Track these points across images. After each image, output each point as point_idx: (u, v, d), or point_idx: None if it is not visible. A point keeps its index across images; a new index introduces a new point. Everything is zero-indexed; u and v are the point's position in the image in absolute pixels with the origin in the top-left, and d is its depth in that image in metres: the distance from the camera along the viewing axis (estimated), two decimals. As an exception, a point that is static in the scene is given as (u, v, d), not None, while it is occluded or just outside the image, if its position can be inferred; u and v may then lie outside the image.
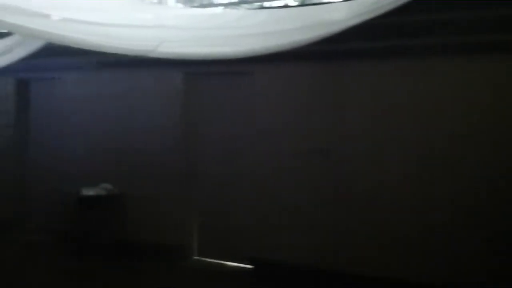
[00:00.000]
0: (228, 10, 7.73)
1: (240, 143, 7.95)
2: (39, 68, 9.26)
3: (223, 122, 8.16)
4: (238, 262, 7.97)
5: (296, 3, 7.66)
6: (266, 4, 7.77)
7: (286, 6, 7.29)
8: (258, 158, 7.66)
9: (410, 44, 6.57)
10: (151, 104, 8.49)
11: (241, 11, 7.27)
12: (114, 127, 8.80)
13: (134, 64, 7.69)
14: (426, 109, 6.60)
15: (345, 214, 7.03)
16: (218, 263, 8.12)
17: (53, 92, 9.57)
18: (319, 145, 7.16)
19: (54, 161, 9.37)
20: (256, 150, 7.68)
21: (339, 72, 7.04)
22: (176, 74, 8.22)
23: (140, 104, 8.57)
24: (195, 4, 8.21)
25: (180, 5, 8.49)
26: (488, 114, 6.28)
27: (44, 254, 8.74)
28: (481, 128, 6.30)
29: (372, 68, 6.88)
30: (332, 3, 7.09)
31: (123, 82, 8.77)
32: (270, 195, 7.56)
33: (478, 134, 6.30)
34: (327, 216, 7.15)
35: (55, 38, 5.28)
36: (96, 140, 8.97)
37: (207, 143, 8.31)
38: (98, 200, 8.47)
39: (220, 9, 7.93)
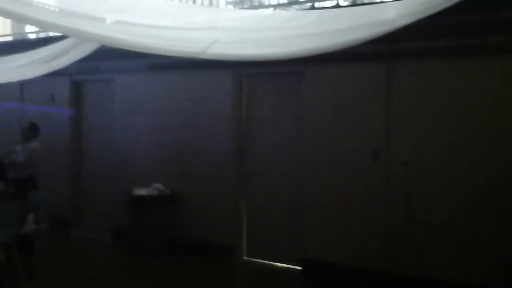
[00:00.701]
0: (278, 11, 7.74)
1: (291, 144, 7.94)
2: (93, 70, 9.49)
3: (275, 122, 8.17)
4: (287, 263, 7.96)
5: (347, 3, 7.61)
6: (317, 4, 7.74)
7: (337, 6, 7.23)
8: (309, 159, 7.65)
9: (461, 44, 6.44)
10: (203, 105, 8.57)
11: (292, 12, 7.27)
12: (166, 128, 8.92)
13: (187, 65, 7.78)
14: (478, 108, 6.46)
15: (395, 215, 6.94)
16: (267, 263, 8.13)
17: (107, 93, 9.78)
18: (370, 146, 7.09)
19: (108, 161, 9.58)
20: (307, 151, 7.66)
21: (390, 72, 6.96)
22: (228, 76, 8.28)
23: (192, 105, 8.66)
24: (246, 6, 8.26)
25: (230, 7, 8.55)
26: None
27: (100, 252, 8.96)
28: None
29: (423, 68, 6.78)
30: (384, 3, 7.02)
31: (176, 83, 8.89)
32: (320, 196, 7.53)
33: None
34: (377, 217, 7.08)
35: (109, 41, 5.39)
36: (149, 141, 9.11)
37: (258, 143, 8.34)
38: (150, 200, 8.61)
39: (270, 10, 7.95)
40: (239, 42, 5.46)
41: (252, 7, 8.08)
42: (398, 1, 5.30)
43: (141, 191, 8.67)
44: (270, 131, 8.20)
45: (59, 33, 6.69)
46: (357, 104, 7.25)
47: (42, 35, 10.46)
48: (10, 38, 11.34)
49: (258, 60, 5.95)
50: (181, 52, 5.51)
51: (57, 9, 5.02)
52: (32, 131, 8.70)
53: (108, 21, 5.14)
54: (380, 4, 6.92)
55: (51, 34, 9.50)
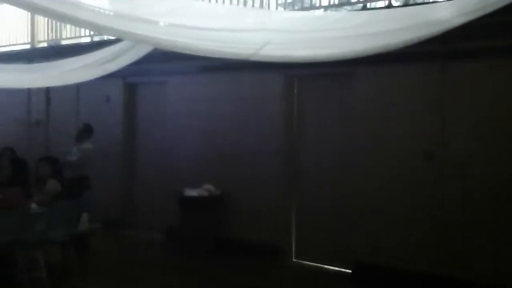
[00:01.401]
0: (329, 12, 7.71)
1: (343, 145, 7.88)
2: (147, 73, 9.64)
3: (325, 124, 8.13)
4: (336, 266, 7.91)
5: (399, 3, 7.52)
6: (368, 5, 7.68)
7: (389, 7, 7.16)
8: (359, 160, 7.58)
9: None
10: (254, 106, 8.61)
11: (343, 13, 7.24)
12: (217, 130, 9.00)
13: (238, 67, 7.82)
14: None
15: (448, 218, 6.82)
16: (316, 266, 8.10)
17: (160, 95, 9.93)
18: (424, 148, 6.97)
19: (161, 162, 9.71)
20: (358, 153, 7.60)
21: (442, 73, 6.84)
22: (279, 77, 8.29)
23: (243, 106, 8.71)
24: (296, 7, 8.26)
25: (281, 8, 8.56)
26: None
27: (153, 251, 9.10)
28: None
29: (478, 68, 6.64)
30: (437, 2, 6.91)
31: (227, 85, 8.95)
32: (370, 198, 7.46)
33: None
34: (429, 219, 6.97)
35: (162, 44, 5.48)
36: (200, 142, 9.20)
37: (308, 145, 8.32)
38: (200, 201, 8.69)
39: (321, 12, 7.92)
40: (290, 43, 5.47)
41: (303, 9, 8.08)
42: (451, 1, 5.22)
43: (192, 192, 8.76)
44: (321, 132, 8.17)
45: (114, 36, 6.84)
46: (409, 105, 7.15)
47: (96, 38, 10.69)
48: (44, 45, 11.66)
49: (309, 62, 5.94)
50: (233, 54, 5.55)
51: (111, 13, 5.15)
52: (86, 132, 8.92)
53: (161, 24, 5.24)
54: (433, 4, 6.82)
55: (105, 37, 9.71)
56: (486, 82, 6.62)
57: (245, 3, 8.59)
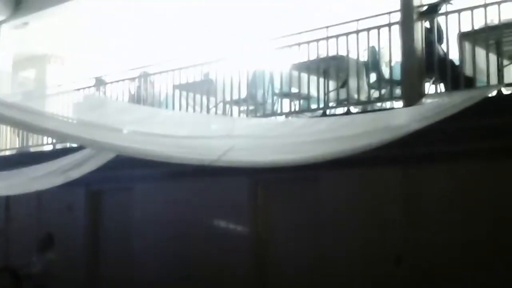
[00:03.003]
0: (291, 118, 7.91)
1: (311, 250, 7.78)
2: (112, 180, 9.57)
3: (292, 229, 8.05)
4: None
5: (357, 110, 7.77)
6: (328, 111, 7.91)
7: (348, 113, 7.40)
8: (330, 266, 7.46)
9: (473, 148, 6.47)
10: (219, 212, 8.55)
11: (305, 119, 7.43)
12: (183, 236, 8.84)
13: (204, 172, 7.82)
14: (497, 211, 6.38)
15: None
16: None
17: (125, 202, 9.82)
18: (391, 251, 6.94)
19: (125, 270, 9.43)
20: (326, 257, 7.51)
21: (405, 177, 6.95)
22: (244, 182, 8.30)
23: (208, 212, 8.63)
24: (259, 114, 8.45)
25: (244, 115, 8.75)
26: None
27: None
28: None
29: (440, 172, 6.76)
30: (395, 109, 7.18)
31: (194, 191, 8.90)
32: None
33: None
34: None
35: (126, 151, 5.51)
36: (166, 250, 9.00)
37: (276, 252, 8.18)
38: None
39: (283, 118, 8.12)
40: (253, 149, 5.58)
41: (265, 115, 8.26)
42: (408, 107, 5.45)
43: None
44: (288, 238, 8.09)
45: (77, 144, 6.87)
46: (374, 209, 7.17)
47: (59, 146, 10.69)
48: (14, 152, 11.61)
49: (272, 167, 6.02)
50: (197, 160, 5.62)
51: (75, 121, 5.21)
52: (48, 241, 8.69)
53: (125, 131, 5.31)
54: (391, 110, 7.09)
55: (68, 145, 9.71)
56: (447, 185, 6.72)
57: (208, 110, 8.76)
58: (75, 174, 7.92)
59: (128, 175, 9.32)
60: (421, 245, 6.77)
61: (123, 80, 10.17)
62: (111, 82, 10.39)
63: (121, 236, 9.78)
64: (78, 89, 10.46)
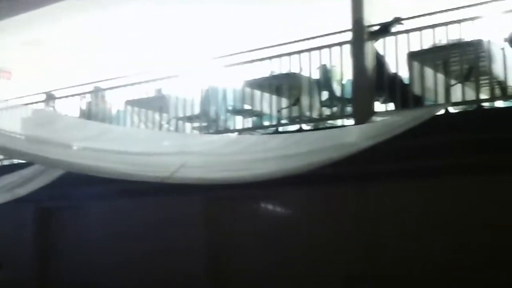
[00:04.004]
0: (244, 135, 7.92)
1: (262, 269, 7.75)
2: (63, 197, 9.37)
3: (246, 246, 8.00)
4: None
5: (309, 127, 7.84)
6: (280, 128, 7.96)
7: (300, 130, 7.45)
8: (281, 284, 7.45)
9: (422, 165, 6.59)
10: (172, 230, 8.44)
11: (256, 136, 7.45)
12: (136, 254, 8.70)
13: (158, 190, 7.74)
14: (447, 226, 6.49)
15: None
16: None
17: (76, 220, 9.60)
18: (347, 269, 6.95)
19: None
20: (279, 276, 7.48)
21: (356, 194, 7.02)
22: (198, 199, 8.22)
23: (160, 230, 8.52)
24: (211, 131, 8.43)
25: (196, 132, 8.72)
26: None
27: None
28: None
29: (394, 189, 6.84)
30: (345, 126, 7.28)
31: (146, 208, 8.78)
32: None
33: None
34: None
35: (76, 167, 5.42)
36: (119, 268, 8.83)
37: (230, 270, 8.14)
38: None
39: (235, 135, 8.12)
40: (206, 166, 5.56)
41: (218, 132, 8.25)
42: (359, 125, 5.54)
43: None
44: (240, 254, 8.05)
45: (25, 160, 6.71)
46: (326, 225, 7.20)
47: (6, 162, 10.41)
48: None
49: (225, 184, 6.01)
50: (148, 176, 5.56)
51: (23, 137, 5.10)
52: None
53: (75, 148, 5.22)
54: (342, 128, 7.17)
55: (15, 161, 9.47)
56: (398, 202, 6.79)
57: (160, 127, 8.70)
58: (23, 191, 7.74)
59: (80, 192, 9.14)
60: (373, 261, 6.84)
61: (74, 95, 10.03)
62: (62, 97, 10.22)
63: (73, 255, 9.56)
64: (27, 104, 10.24)
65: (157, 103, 8.90)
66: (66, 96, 10.10)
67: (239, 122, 8.49)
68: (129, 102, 9.12)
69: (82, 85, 10.07)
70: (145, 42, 10.96)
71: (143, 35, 10.79)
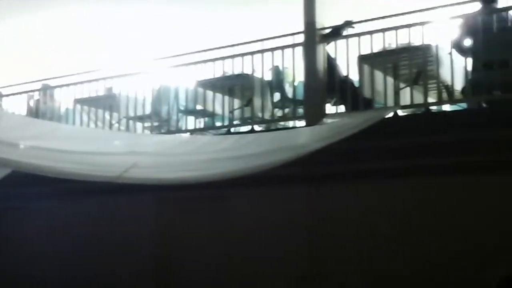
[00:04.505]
0: (196, 135, 7.88)
1: (216, 269, 7.72)
2: (5, 197, 9.12)
3: (199, 247, 7.95)
4: None
5: (261, 128, 7.87)
6: (232, 129, 7.96)
7: (252, 131, 7.47)
8: (235, 284, 7.44)
9: (372, 167, 6.69)
10: (121, 230, 8.33)
11: (209, 137, 7.43)
12: (81, 255, 8.55)
13: (106, 190, 7.62)
14: (399, 226, 6.59)
15: None
16: None
17: (19, 221, 9.37)
18: (297, 269, 7.00)
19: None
20: (233, 277, 7.47)
21: (310, 194, 7.06)
22: (147, 200, 8.14)
23: (111, 231, 8.39)
24: (163, 131, 8.36)
25: (147, 132, 8.63)
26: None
27: None
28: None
29: (344, 190, 6.91)
30: (296, 128, 7.34)
31: (94, 208, 8.64)
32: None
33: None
34: None
35: (23, 166, 5.28)
36: (64, 270, 8.67)
37: (181, 269, 8.08)
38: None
39: (188, 135, 8.08)
40: (158, 166, 5.51)
41: (170, 132, 8.19)
42: (311, 127, 5.60)
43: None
44: (193, 255, 7.98)
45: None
46: (280, 226, 7.22)
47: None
48: None
49: (177, 184, 5.97)
50: (98, 176, 5.46)
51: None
52: None
53: (22, 146, 5.09)
54: (293, 129, 7.23)
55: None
56: (350, 202, 6.87)
57: (111, 126, 8.58)
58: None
59: (26, 192, 8.92)
60: (326, 261, 6.89)
61: (21, 93, 9.78)
62: (9, 95, 9.97)
63: (18, 257, 9.32)
64: (-29, 102, 9.96)
65: (107, 102, 8.77)
66: (14, 94, 9.84)
67: (191, 122, 8.45)
68: (78, 101, 8.94)
69: (30, 82, 9.83)
70: (96, 41, 10.80)
71: (94, 33, 10.63)
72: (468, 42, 6.64)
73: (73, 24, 10.34)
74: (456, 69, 6.54)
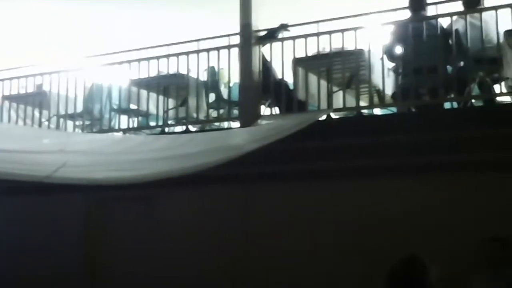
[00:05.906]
0: (130, 135, 7.78)
1: (145, 270, 7.62)
2: None
3: (128, 248, 7.82)
4: None
5: (196, 129, 7.84)
6: (166, 129, 7.90)
7: (187, 131, 7.44)
8: (165, 285, 7.37)
9: (310, 168, 6.78)
10: (50, 230, 8.12)
11: (142, 137, 7.36)
12: (8, 256, 8.29)
13: (33, 189, 7.41)
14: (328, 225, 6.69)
15: None
16: None
17: None
18: (227, 269, 7.00)
19: None
20: (164, 277, 7.39)
21: (245, 195, 7.07)
22: (77, 200, 7.97)
23: (38, 231, 8.17)
24: (95, 130, 8.21)
25: (79, 130, 8.45)
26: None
27: None
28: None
29: (278, 190, 6.97)
30: (231, 129, 7.36)
31: (20, 209, 8.39)
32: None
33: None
34: None
35: None
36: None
37: (108, 271, 7.93)
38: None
39: (120, 135, 7.96)
40: (88, 165, 5.41)
41: (102, 131, 8.04)
42: (245, 128, 5.63)
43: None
44: (122, 257, 7.85)
45: None
46: (214, 226, 7.20)
47: None
48: None
49: (109, 184, 5.87)
50: (26, 176, 5.32)
51: None
52: None
53: None
54: (228, 130, 7.25)
55: None
56: (283, 203, 6.91)
57: (40, 124, 8.34)
58: None
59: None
60: (258, 260, 6.92)
61: None
62: None
63: None
64: None
65: (36, 99, 8.54)
66: None
67: (125, 121, 8.32)
68: (6, 97, 8.68)
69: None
70: (26, 36, 10.50)
71: (24, 29, 10.35)
72: (399, 49, 6.84)
73: (1, 19, 10.02)
74: (386, 74, 6.72)
